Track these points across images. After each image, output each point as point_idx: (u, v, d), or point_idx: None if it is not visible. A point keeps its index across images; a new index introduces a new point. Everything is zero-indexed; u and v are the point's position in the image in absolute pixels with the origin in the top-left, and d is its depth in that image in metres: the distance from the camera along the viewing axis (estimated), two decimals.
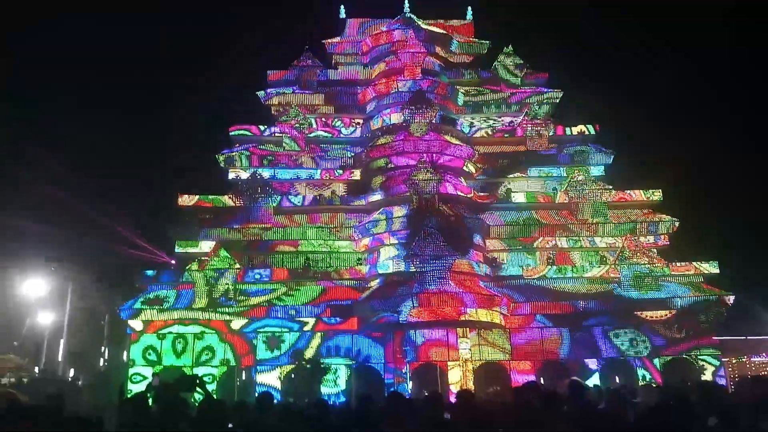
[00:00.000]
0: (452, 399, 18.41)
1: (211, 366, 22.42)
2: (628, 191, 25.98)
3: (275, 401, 9.43)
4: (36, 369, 28.26)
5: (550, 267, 24.46)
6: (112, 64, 57.71)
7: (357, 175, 26.41)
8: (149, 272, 24.01)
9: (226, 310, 22.78)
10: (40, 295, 30.15)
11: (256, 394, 8.78)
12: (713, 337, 23.41)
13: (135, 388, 20.91)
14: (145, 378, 21.78)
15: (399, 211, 23.88)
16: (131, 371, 22.28)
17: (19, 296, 30.28)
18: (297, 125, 26.84)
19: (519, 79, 28.73)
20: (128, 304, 22.99)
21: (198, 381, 7.54)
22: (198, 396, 7.31)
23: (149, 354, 22.63)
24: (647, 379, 22.36)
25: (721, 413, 7.12)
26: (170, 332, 22.83)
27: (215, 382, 21.95)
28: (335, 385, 22.08)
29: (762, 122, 45.65)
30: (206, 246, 24.17)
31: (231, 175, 26.14)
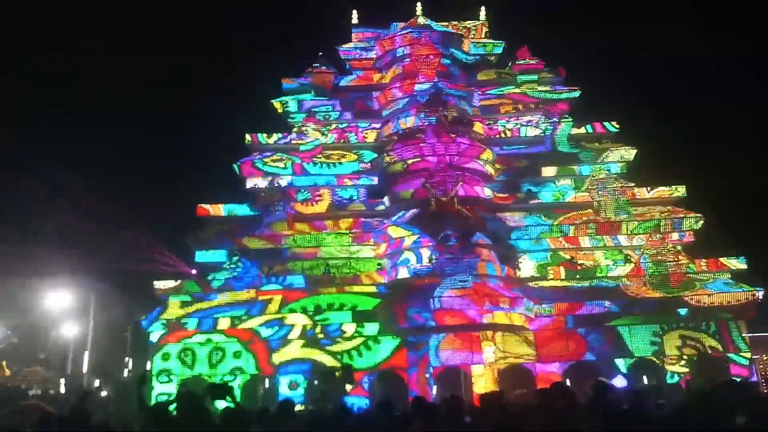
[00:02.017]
0: (477, 402, 18.22)
1: (234, 374, 22.43)
2: (652, 188, 25.59)
3: (297, 408, 9.37)
4: (62, 381, 28.55)
5: (573, 267, 24.15)
6: (129, 73, 58.32)
7: (375, 179, 26.33)
8: (170, 282, 24.11)
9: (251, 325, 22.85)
10: (64, 307, 30.46)
11: (278, 401, 8.80)
12: (743, 334, 22.94)
13: (157, 396, 21.15)
14: (170, 381, 22.10)
15: (417, 215, 23.70)
16: (154, 380, 22.37)
17: (43, 309, 30.60)
18: (313, 132, 26.84)
19: (536, 77, 28.40)
20: (150, 315, 23.13)
21: (230, 389, 7.63)
22: (223, 404, 7.29)
23: (171, 363, 22.72)
24: (676, 379, 21.97)
25: (750, 411, 7.05)
26: (191, 342, 22.89)
27: (239, 389, 21.94)
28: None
29: None
30: (226, 255, 24.25)
31: (249, 184, 26.19)
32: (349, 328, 22.56)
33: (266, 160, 26.55)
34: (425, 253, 22.70)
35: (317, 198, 25.93)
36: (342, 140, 27.37)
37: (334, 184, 26.38)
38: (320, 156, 26.61)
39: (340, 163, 26.67)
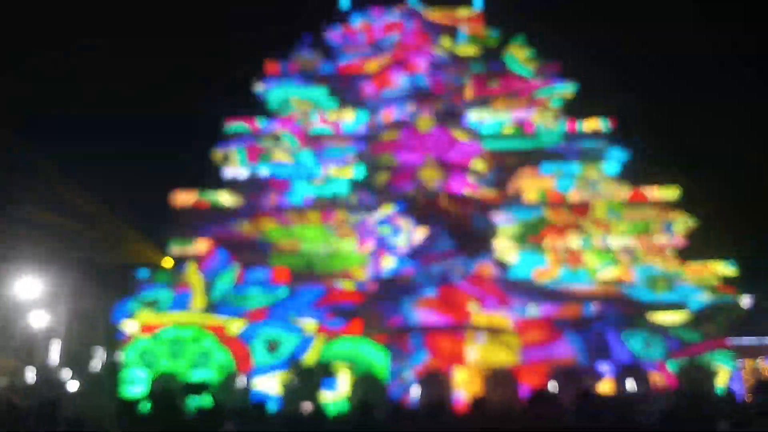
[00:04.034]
0: (458, 405, 17.95)
1: (208, 370, 21.84)
2: (644, 189, 25.25)
3: (273, 407, 9.31)
4: (31, 371, 28.04)
5: (561, 268, 23.84)
6: (105, 59, 57.36)
7: (360, 172, 25.73)
8: (143, 272, 23.48)
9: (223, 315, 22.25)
10: (34, 296, 30.01)
11: (254, 400, 8.73)
12: (727, 340, 22.88)
13: (129, 390, 20.47)
14: (139, 380, 21.25)
15: (403, 210, 23.26)
16: (126, 373, 21.73)
17: (13, 297, 30.11)
18: (296, 120, 26.25)
19: (530, 71, 27.90)
20: (122, 306, 22.45)
21: (206, 387, 7.52)
22: (196, 401, 7.16)
23: (144, 357, 22.06)
24: (661, 384, 21.81)
25: (732, 418, 7.35)
26: (165, 335, 22.25)
27: (212, 387, 21.34)
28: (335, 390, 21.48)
29: None
30: (202, 245, 23.61)
31: (228, 172, 25.58)
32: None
33: (246, 148, 25.85)
34: (411, 250, 22.29)
35: (299, 189, 25.27)
36: (326, 129, 26.70)
37: (318, 175, 25.74)
38: (303, 145, 25.98)
39: (324, 154, 26.08)
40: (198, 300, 22.41)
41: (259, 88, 27.32)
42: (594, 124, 26.86)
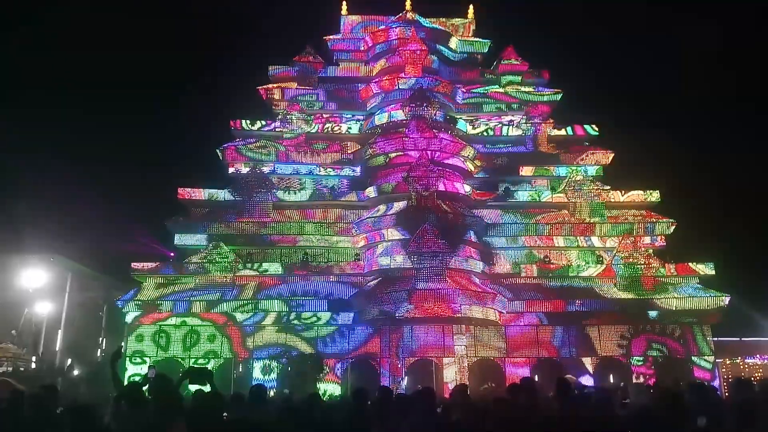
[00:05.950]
0: (447, 395, 18.45)
1: (208, 358, 22.53)
2: (626, 192, 26.09)
3: (270, 394, 9.46)
4: (33, 359, 28.28)
5: (546, 265, 24.59)
6: (112, 57, 57.46)
7: (357, 171, 26.54)
8: (147, 264, 24.13)
9: (226, 307, 23.02)
10: (38, 285, 30.08)
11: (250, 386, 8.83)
12: (708, 338, 23.54)
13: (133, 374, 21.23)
14: (143, 362, 22.21)
15: (397, 208, 23.93)
16: (130, 359, 22.41)
17: (17, 286, 30.21)
18: (298, 121, 26.91)
19: (520, 78, 28.80)
20: (126, 296, 23.17)
21: (209, 374, 7.61)
22: (193, 388, 7.34)
23: (155, 341, 22.79)
24: (641, 379, 22.46)
25: (710, 414, 7.18)
26: (166, 324, 22.96)
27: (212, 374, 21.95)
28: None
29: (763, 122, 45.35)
30: (205, 239, 24.31)
31: (231, 170, 26.26)
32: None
33: (249, 146, 26.58)
34: (403, 245, 22.94)
35: (298, 186, 26.08)
36: (325, 130, 27.51)
37: (316, 174, 26.52)
38: (303, 145, 26.71)
39: (323, 153, 26.83)
40: (201, 292, 23.09)
41: (262, 89, 27.95)
42: (580, 128, 27.60)
